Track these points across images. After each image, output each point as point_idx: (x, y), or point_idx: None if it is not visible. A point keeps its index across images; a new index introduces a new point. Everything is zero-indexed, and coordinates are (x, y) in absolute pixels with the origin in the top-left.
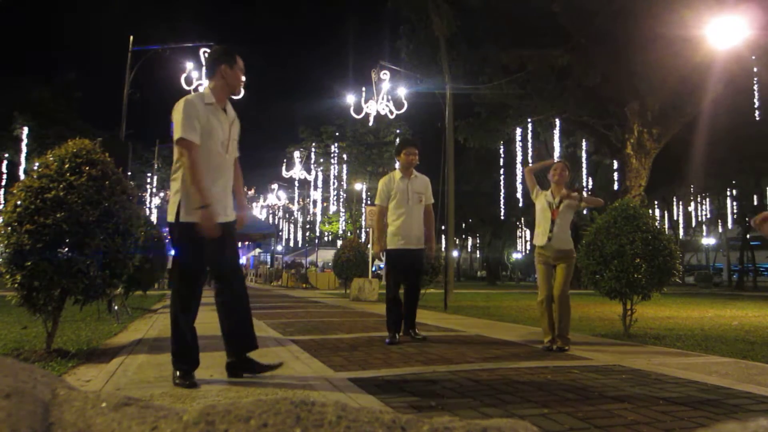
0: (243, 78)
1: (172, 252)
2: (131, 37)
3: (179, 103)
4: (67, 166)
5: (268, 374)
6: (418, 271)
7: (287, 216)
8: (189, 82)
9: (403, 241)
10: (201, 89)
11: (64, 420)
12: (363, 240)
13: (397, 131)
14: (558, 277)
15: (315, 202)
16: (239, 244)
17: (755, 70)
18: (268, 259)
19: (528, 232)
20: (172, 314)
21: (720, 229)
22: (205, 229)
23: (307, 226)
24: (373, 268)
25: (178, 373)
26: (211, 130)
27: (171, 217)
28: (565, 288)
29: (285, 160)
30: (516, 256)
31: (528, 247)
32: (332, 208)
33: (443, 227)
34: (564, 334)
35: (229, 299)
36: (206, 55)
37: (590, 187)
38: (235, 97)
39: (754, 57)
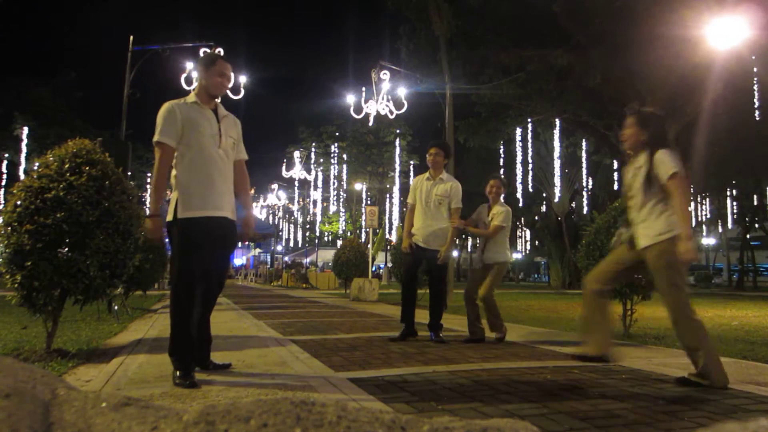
0: (221, 80)
1: (170, 251)
2: (131, 37)
3: (160, 110)
4: (67, 166)
5: (267, 374)
6: (433, 274)
7: (287, 216)
8: (189, 82)
9: (418, 238)
10: None
11: (64, 420)
12: (363, 240)
13: (397, 131)
14: (487, 280)
15: (315, 202)
16: (239, 244)
17: (755, 70)
18: (268, 259)
19: (528, 232)
20: (171, 313)
21: (720, 229)
22: (150, 235)
23: (307, 226)
24: (373, 268)
25: (178, 372)
26: (195, 125)
27: (169, 216)
28: (490, 289)
29: (285, 160)
30: (516, 256)
31: (528, 247)
32: (332, 208)
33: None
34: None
35: (202, 307)
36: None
37: (590, 187)
38: (234, 97)
39: (754, 57)
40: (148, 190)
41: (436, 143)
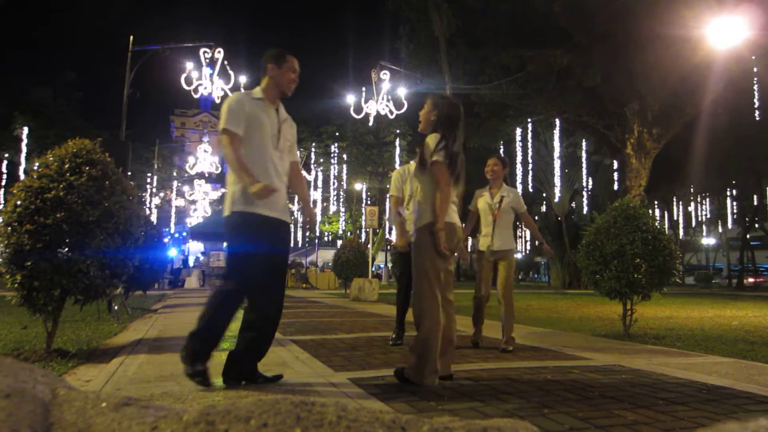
0: (293, 77)
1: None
2: (131, 37)
3: (225, 100)
4: (67, 166)
5: (267, 374)
6: None
7: None
8: (189, 82)
9: (410, 233)
10: (201, 89)
11: (64, 420)
12: (363, 240)
13: (397, 131)
14: (501, 275)
15: (315, 202)
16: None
17: (755, 70)
18: None
19: (528, 232)
20: (211, 307)
21: (720, 229)
22: (262, 195)
23: (307, 226)
24: (373, 268)
25: (188, 367)
26: (258, 123)
27: (227, 210)
28: (509, 285)
29: None
30: (516, 256)
31: (528, 247)
32: (332, 208)
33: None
34: (509, 334)
35: (256, 316)
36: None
37: (590, 187)
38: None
39: (754, 57)
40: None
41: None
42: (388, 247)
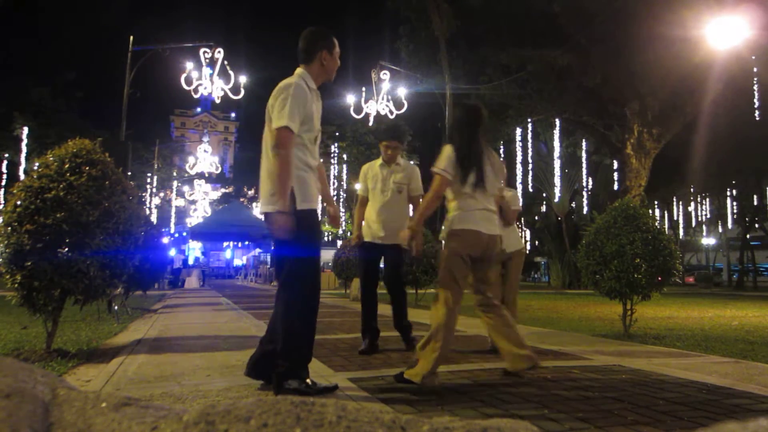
0: (338, 63)
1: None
2: (131, 37)
3: (287, 86)
4: (67, 166)
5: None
6: (392, 271)
7: None
8: (189, 82)
9: (371, 233)
10: (201, 89)
11: (64, 420)
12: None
13: None
14: (510, 276)
15: None
16: (239, 244)
17: (755, 70)
18: (268, 260)
19: (528, 232)
20: (294, 314)
21: (720, 229)
22: (278, 230)
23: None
24: None
25: (297, 381)
26: (311, 116)
27: (287, 207)
28: (516, 288)
29: None
30: None
31: (528, 247)
32: None
33: (443, 227)
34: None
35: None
36: (303, 37)
37: (590, 187)
38: (234, 97)
39: (754, 57)
40: (274, 185)
41: (387, 136)
42: None
